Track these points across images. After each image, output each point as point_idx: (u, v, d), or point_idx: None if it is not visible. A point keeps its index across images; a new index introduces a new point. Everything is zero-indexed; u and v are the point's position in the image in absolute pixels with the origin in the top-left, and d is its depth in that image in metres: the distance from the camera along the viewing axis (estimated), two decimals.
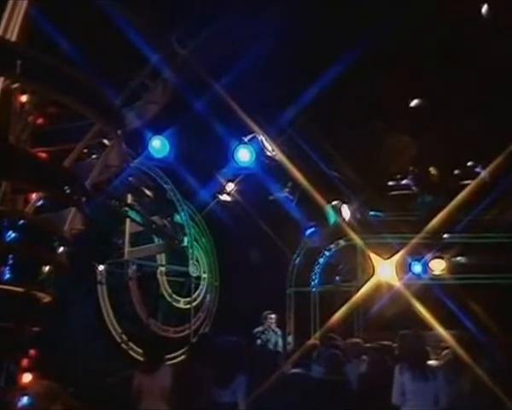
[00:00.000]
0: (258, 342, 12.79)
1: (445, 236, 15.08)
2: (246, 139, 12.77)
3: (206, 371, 7.72)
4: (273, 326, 13.02)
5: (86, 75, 6.88)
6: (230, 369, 7.69)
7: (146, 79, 11.14)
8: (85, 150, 7.95)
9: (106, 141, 7.94)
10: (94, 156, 8.32)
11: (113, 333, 13.19)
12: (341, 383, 7.62)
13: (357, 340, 10.81)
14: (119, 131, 7.39)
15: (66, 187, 6.81)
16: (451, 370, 8.00)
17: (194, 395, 7.53)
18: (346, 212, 14.85)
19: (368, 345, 9.93)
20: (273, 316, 13.08)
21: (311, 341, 11.04)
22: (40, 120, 7.28)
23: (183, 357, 11.60)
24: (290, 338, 14.69)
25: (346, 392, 7.50)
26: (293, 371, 7.62)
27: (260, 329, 12.95)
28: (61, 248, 7.21)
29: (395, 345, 9.33)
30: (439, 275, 15.03)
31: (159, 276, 14.76)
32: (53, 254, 7.11)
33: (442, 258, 15.04)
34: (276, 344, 12.88)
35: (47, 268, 7.18)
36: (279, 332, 13.22)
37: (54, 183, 6.81)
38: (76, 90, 6.53)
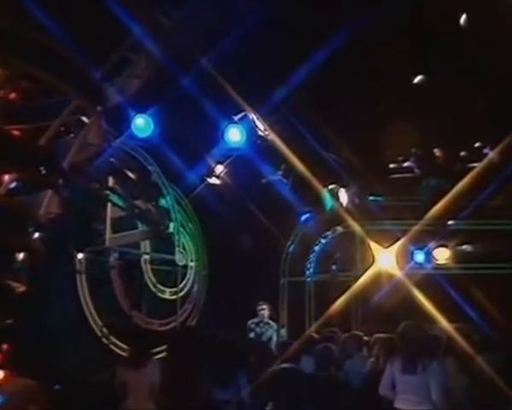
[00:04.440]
0: (252, 335, 12.81)
1: (450, 222, 15.09)
2: (236, 118, 12.70)
3: (200, 368, 7.73)
4: (266, 319, 13.03)
5: (63, 46, 6.81)
6: (231, 368, 7.80)
7: (128, 51, 11.06)
8: (62, 128, 7.87)
9: (85, 118, 7.87)
10: (72, 135, 8.23)
11: (93, 326, 13.14)
12: (332, 380, 7.68)
13: (358, 332, 10.85)
14: (98, 108, 7.33)
15: (42, 168, 6.76)
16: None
17: (187, 393, 7.53)
18: (343, 196, 14.82)
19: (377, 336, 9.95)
20: (265, 307, 13.08)
21: (308, 334, 11.09)
22: (13, 96, 7.21)
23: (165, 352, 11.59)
24: (283, 331, 14.68)
25: (337, 389, 7.56)
26: (283, 366, 7.65)
27: (255, 321, 12.97)
28: (37, 234, 7.16)
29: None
30: (443, 264, 15.06)
31: (143, 264, 14.71)
32: (28, 240, 7.07)
33: (446, 246, 15.06)
34: (270, 338, 12.89)
35: (21, 256, 7.14)
36: (274, 326, 13.23)
37: (28, 163, 6.77)
38: (52, 62, 6.46)
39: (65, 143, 7.73)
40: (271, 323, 13.15)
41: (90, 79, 7.30)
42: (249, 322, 12.97)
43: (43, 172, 6.78)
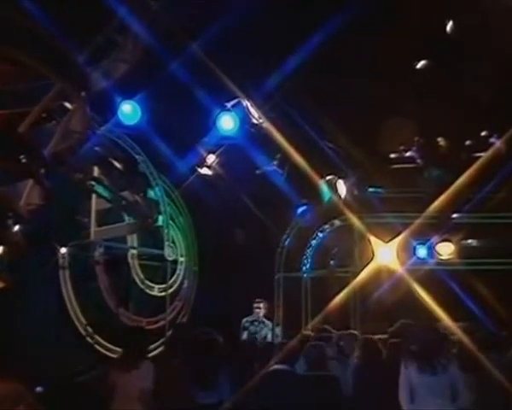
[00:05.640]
0: (245, 334, 12.82)
1: (454, 215, 15.08)
2: (229, 105, 12.66)
3: (185, 369, 7.68)
4: (261, 317, 13.05)
5: (45, 27, 6.76)
6: (212, 368, 7.68)
7: (114, 33, 10.99)
8: (44, 114, 7.82)
9: (68, 104, 7.84)
10: (54, 122, 8.18)
11: (77, 325, 13.11)
12: (326, 379, 7.68)
13: (354, 331, 10.86)
14: (82, 93, 7.29)
15: (22, 156, 6.73)
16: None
17: (174, 395, 7.49)
18: (341, 188, 14.81)
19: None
20: (261, 305, 13.08)
21: (304, 333, 11.09)
22: None
23: (157, 351, 11.57)
24: (278, 330, 14.68)
25: (331, 388, 7.56)
26: (275, 367, 7.64)
27: (249, 319, 12.98)
28: (17, 227, 7.13)
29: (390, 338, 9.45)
30: (447, 260, 15.05)
31: (130, 259, 14.69)
32: (7, 233, 7.03)
33: (450, 241, 15.04)
34: (265, 337, 12.90)
35: (0, 249, 7.11)
36: (269, 325, 13.24)
37: (7, 151, 6.72)
38: (33, 44, 6.42)
39: (47, 131, 7.69)
40: (266, 322, 13.17)
41: (74, 63, 7.25)
42: (243, 320, 13.00)
43: (24, 160, 6.74)
